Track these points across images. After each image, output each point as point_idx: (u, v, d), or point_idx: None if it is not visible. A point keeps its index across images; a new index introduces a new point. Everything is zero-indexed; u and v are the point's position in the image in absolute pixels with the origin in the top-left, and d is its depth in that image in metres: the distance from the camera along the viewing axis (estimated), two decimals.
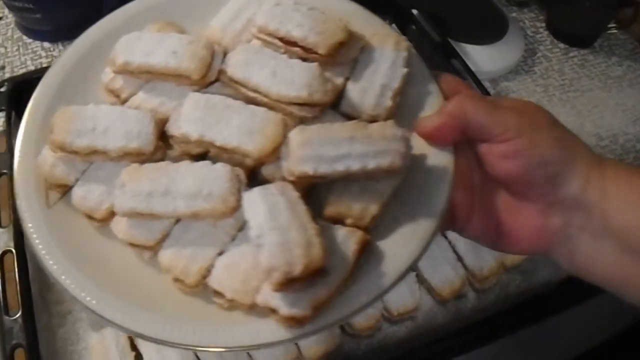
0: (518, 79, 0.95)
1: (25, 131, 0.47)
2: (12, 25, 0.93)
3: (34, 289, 0.64)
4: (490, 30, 0.94)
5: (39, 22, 0.86)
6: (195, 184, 0.41)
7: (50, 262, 0.42)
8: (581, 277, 0.46)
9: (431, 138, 0.45)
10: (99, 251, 0.44)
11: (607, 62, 0.97)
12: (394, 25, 0.87)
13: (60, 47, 0.89)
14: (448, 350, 0.63)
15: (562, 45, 0.99)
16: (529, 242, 0.46)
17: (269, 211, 0.39)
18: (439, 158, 0.45)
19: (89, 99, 0.47)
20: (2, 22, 0.94)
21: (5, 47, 0.90)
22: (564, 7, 0.96)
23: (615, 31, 0.99)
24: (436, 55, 0.81)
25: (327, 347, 0.60)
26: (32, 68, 0.86)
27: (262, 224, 0.39)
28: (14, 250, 0.60)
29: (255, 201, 0.40)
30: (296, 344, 0.60)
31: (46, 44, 0.89)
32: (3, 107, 0.71)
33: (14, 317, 0.57)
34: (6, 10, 0.93)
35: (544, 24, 1.01)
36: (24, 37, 0.91)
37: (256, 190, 0.41)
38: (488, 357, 0.76)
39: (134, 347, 0.60)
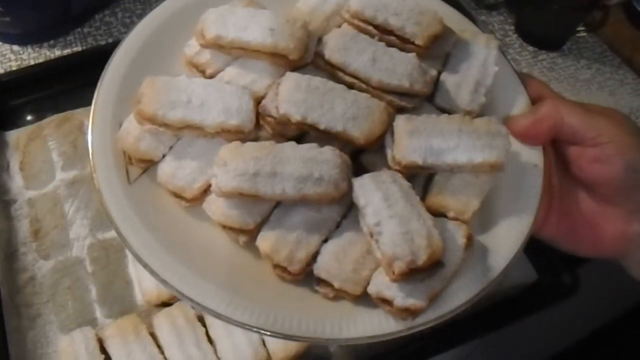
0: None
1: (100, 103, 0.44)
2: None
3: (4, 292, 0.62)
4: None
5: (8, 26, 0.84)
6: (305, 167, 0.39)
7: (135, 242, 0.39)
8: None
9: (524, 136, 0.45)
10: (186, 233, 0.41)
11: (576, 65, 0.95)
12: None
13: (29, 50, 0.86)
14: (419, 353, 0.63)
15: (531, 48, 0.96)
16: (609, 246, 0.46)
17: (385, 199, 0.38)
18: (530, 156, 0.45)
19: (167, 72, 0.44)
20: None
21: None
22: (533, 10, 0.94)
23: (584, 34, 0.96)
24: None
25: (297, 349, 0.58)
26: (1, 71, 0.83)
27: (379, 212, 0.38)
28: None
29: (368, 188, 0.39)
30: (265, 345, 0.58)
31: (15, 47, 0.87)
32: None
33: None
34: None
35: (512, 27, 0.98)
36: None
37: (367, 177, 0.40)
38: (458, 359, 0.75)
39: (103, 350, 0.58)
